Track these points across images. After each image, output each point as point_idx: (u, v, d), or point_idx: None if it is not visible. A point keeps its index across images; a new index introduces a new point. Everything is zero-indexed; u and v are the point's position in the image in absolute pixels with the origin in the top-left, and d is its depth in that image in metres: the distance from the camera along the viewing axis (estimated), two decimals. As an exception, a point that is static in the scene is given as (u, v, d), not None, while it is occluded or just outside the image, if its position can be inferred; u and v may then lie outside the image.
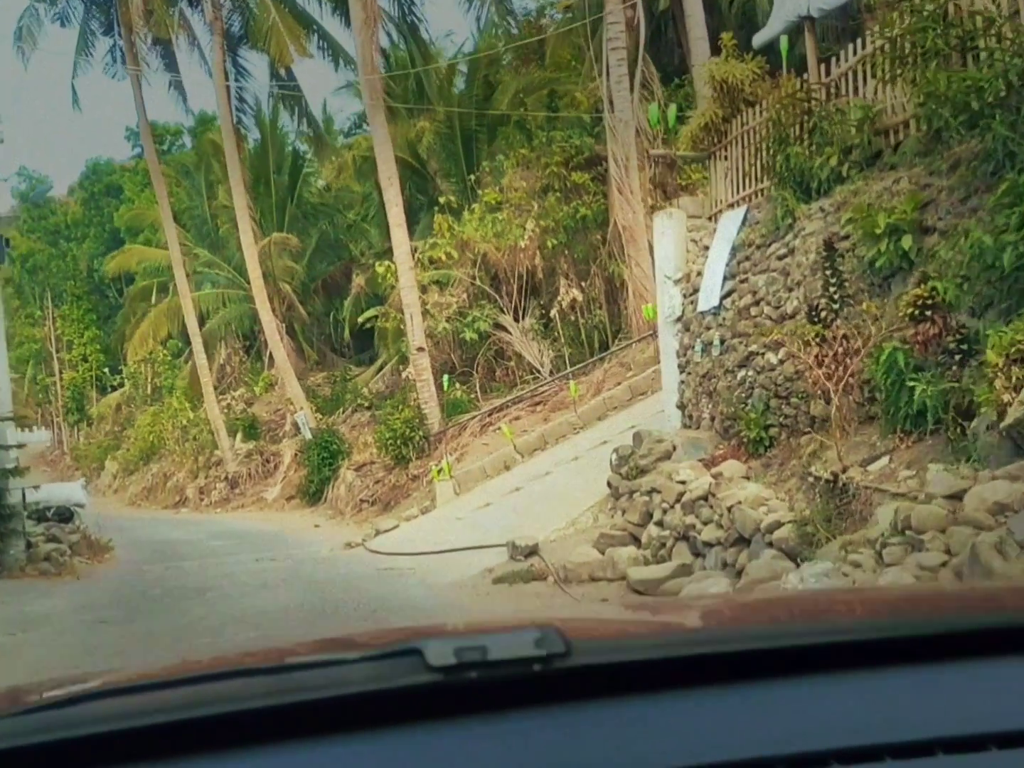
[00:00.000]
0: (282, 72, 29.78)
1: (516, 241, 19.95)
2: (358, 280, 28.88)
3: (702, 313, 11.13)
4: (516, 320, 20.33)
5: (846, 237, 8.71)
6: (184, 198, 40.92)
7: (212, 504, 27.40)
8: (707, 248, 11.56)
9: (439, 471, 15.31)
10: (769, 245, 10.06)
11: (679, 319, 11.80)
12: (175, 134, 48.81)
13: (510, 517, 12.55)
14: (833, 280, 8.34)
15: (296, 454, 25.53)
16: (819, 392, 8.23)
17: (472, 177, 22.85)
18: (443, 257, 20.46)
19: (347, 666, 1.12)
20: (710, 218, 12.28)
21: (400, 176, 29.15)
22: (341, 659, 1.16)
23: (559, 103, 20.91)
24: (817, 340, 8.08)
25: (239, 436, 28.66)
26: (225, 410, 29.75)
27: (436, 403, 18.92)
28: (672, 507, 9.56)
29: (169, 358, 35.92)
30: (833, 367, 7.90)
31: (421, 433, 18.69)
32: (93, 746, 1.01)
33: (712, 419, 10.86)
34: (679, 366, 11.77)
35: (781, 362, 9.55)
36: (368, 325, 27.12)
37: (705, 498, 8.99)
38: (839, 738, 1.03)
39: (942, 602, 1.66)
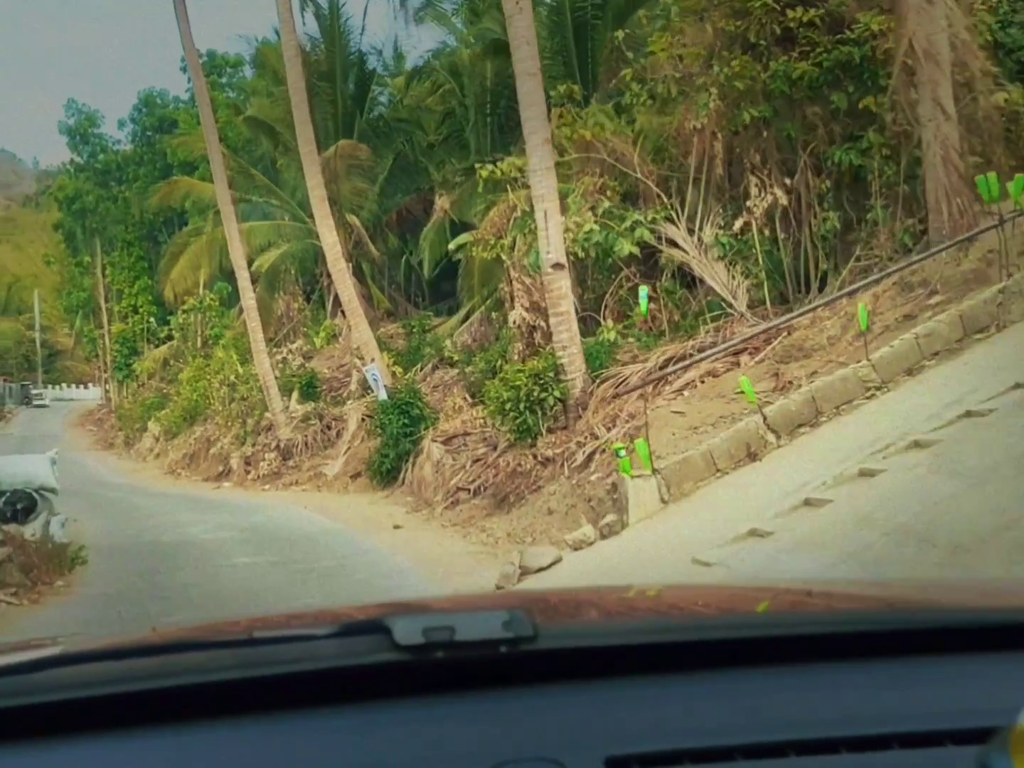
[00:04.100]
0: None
1: (699, 115, 12.69)
2: (442, 203, 21.77)
3: None
4: (690, 233, 13.09)
5: None
6: (244, 130, 34.41)
7: (260, 478, 20.86)
8: None
9: (625, 457, 8.05)
10: None
11: None
12: (235, 65, 41.98)
13: (831, 569, 5.41)
14: None
15: (364, 419, 18.72)
16: None
17: (619, 36, 15.49)
18: (587, 135, 13.25)
19: (315, 642, 1.06)
20: None
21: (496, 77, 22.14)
22: (310, 634, 1.11)
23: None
24: None
25: (295, 396, 22.06)
26: (280, 364, 23.17)
27: (579, 350, 11.84)
28: None
29: (218, 304, 29.28)
30: None
31: (557, 393, 11.61)
32: (55, 713, 0.94)
33: None
34: None
35: None
36: (457, 257, 20.13)
37: None
38: (798, 730, 0.98)
39: (909, 599, 1.56)
